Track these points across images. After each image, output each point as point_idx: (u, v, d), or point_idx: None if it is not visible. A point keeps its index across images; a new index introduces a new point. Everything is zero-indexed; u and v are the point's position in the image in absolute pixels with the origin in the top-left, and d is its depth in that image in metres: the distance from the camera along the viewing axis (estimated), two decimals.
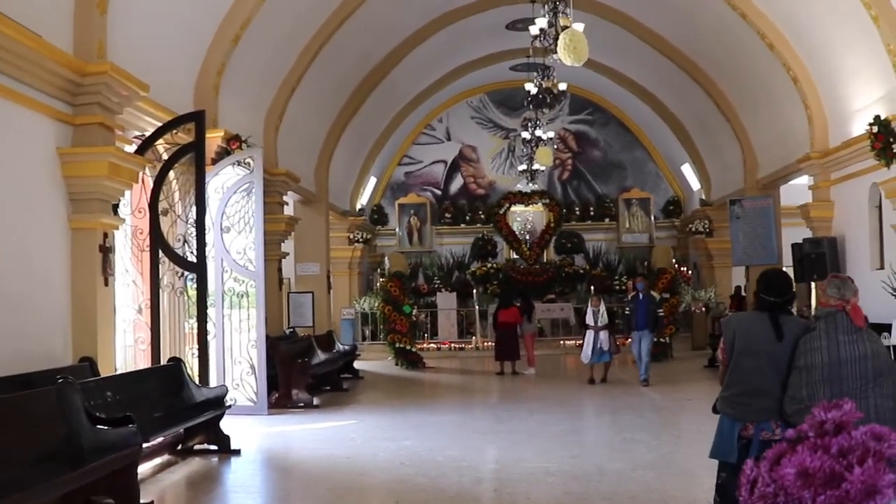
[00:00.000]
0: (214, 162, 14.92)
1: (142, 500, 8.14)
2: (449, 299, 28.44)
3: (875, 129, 14.20)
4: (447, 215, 31.76)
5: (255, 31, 16.01)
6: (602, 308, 18.70)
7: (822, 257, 17.28)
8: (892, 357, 5.58)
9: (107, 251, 11.11)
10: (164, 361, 12.43)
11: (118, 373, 11.18)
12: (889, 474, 1.75)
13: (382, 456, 11.02)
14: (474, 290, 28.48)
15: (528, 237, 30.99)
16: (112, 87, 11.00)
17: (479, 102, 32.16)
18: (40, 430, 7.35)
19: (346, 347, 21.50)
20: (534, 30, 14.14)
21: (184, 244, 13.56)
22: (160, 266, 13.27)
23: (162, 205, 13.31)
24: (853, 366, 5.33)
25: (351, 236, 28.19)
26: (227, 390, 12.28)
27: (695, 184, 29.24)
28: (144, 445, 8.98)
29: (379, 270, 28.92)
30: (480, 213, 31.62)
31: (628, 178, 32.07)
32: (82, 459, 7.20)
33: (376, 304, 25.42)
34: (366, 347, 25.68)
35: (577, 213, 31.77)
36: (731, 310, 25.05)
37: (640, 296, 18.47)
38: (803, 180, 22.23)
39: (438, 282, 30.22)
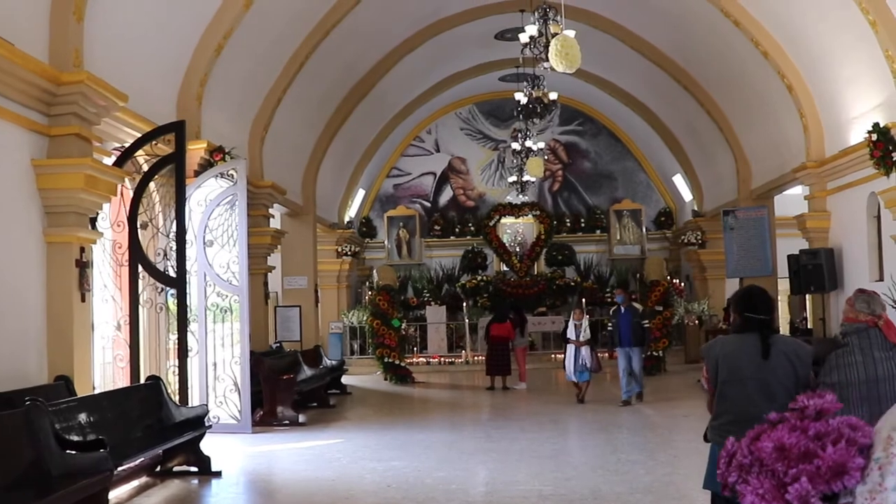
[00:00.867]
0: (197, 174, 14.57)
1: None
2: (438, 313, 28.09)
3: (874, 136, 13.92)
4: (436, 228, 31.44)
5: (239, 40, 15.66)
6: (585, 322, 17.92)
7: (819, 269, 17.01)
8: None
9: (83, 266, 10.73)
10: (143, 380, 12.05)
11: (94, 392, 10.77)
12: (859, 458, 1.86)
13: (369, 478, 10.65)
14: (464, 304, 28.13)
15: (518, 249, 30.66)
16: (89, 97, 10.63)
17: (469, 113, 31.90)
18: (6, 455, 6.98)
19: (334, 362, 21.14)
20: (524, 38, 13.87)
21: (164, 258, 13.20)
22: (140, 281, 12.91)
23: (141, 218, 12.97)
24: (891, 384, 5.03)
25: (339, 249, 27.85)
26: (207, 410, 11.90)
27: (687, 195, 29.00)
28: (121, 468, 8.66)
29: (367, 284, 28.55)
30: (470, 225, 31.31)
31: (619, 190, 31.81)
32: (49, 487, 6.84)
33: (365, 318, 25.12)
34: (354, 362, 25.34)
35: (568, 224, 31.47)
36: (725, 323, 24.77)
37: (622, 309, 17.61)
38: (797, 190, 21.96)
39: (428, 295, 29.94)
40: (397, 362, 22.73)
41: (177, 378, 13.19)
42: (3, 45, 9.17)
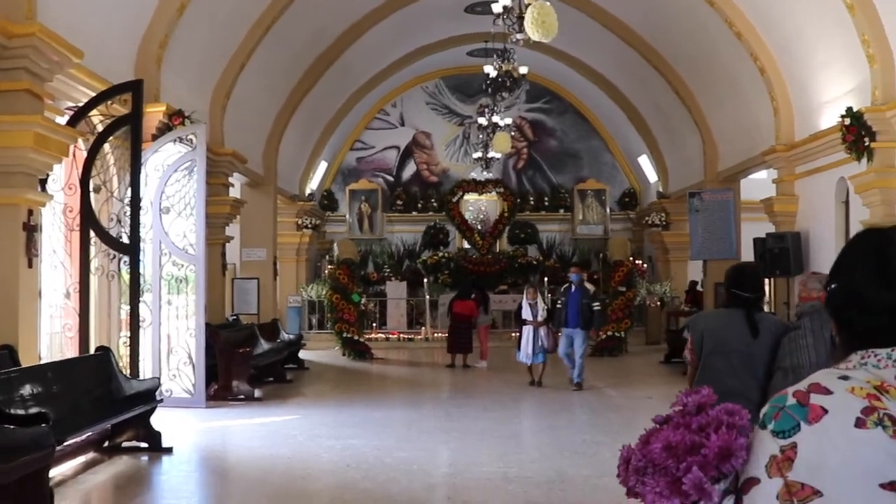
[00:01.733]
0: (155, 138, 14.05)
1: None
2: (399, 288, 27.72)
3: (847, 121, 13.64)
4: (399, 202, 31.02)
5: (202, 1, 15.12)
6: (540, 301, 17.24)
7: (785, 253, 16.79)
8: None
9: (32, 230, 10.21)
10: (92, 351, 11.57)
11: (40, 363, 10.29)
12: (741, 438, 1.97)
13: (326, 457, 10.26)
14: (425, 280, 27.77)
15: (480, 226, 30.33)
16: (41, 51, 10.08)
17: (435, 88, 31.45)
18: None
19: (292, 337, 20.76)
20: (497, 8, 13.40)
21: (118, 224, 12.71)
22: (91, 247, 12.42)
23: (94, 181, 12.47)
24: None
25: (299, 222, 27.38)
26: (159, 383, 11.42)
27: (652, 176, 28.77)
28: (65, 443, 8.20)
29: (327, 257, 28.16)
30: (433, 200, 30.93)
31: (584, 169, 31.53)
32: None
33: (324, 292, 24.68)
34: (312, 336, 24.91)
35: (532, 202, 31.17)
36: (687, 305, 24.61)
37: (573, 288, 16.60)
38: (762, 175, 21.80)
39: (388, 270, 29.56)
40: (356, 338, 22.42)
41: (128, 350, 12.71)
42: None
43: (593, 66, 26.47)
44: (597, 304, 16.73)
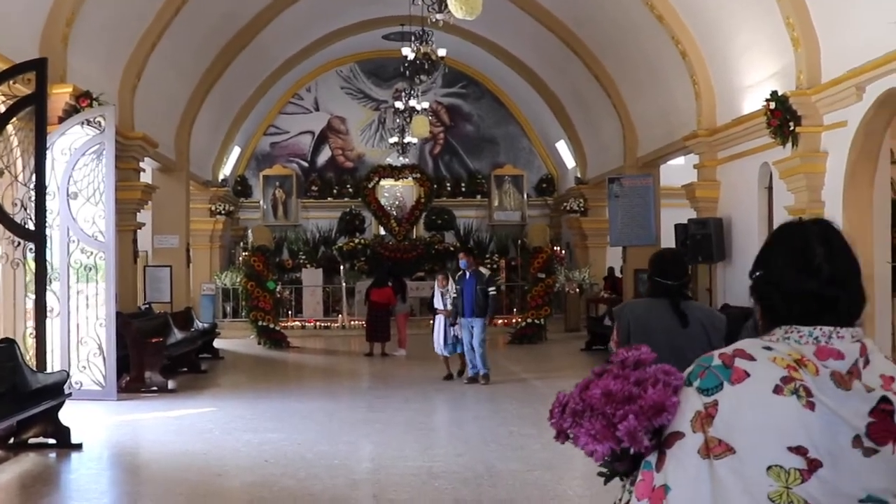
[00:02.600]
0: (62, 121, 13.47)
1: None
2: (314, 275, 27.35)
3: (772, 105, 13.59)
4: (314, 188, 30.63)
5: None
6: (451, 289, 16.19)
7: (707, 239, 16.81)
8: None
9: None
10: None
11: None
12: (674, 397, 2.16)
13: (244, 452, 9.87)
14: (341, 267, 27.43)
15: (397, 213, 30.04)
16: None
17: (350, 72, 31.06)
18: None
19: (206, 325, 20.27)
20: None
21: (22, 210, 12.14)
22: None
23: None
24: None
25: (213, 208, 26.81)
26: (67, 376, 10.92)
27: (570, 161, 28.76)
28: None
29: (242, 244, 27.69)
30: (348, 186, 30.59)
31: (501, 155, 31.44)
32: None
33: (238, 280, 24.27)
34: (227, 325, 24.40)
35: (449, 188, 31.04)
36: (606, 292, 24.62)
37: (467, 275, 15.78)
38: (680, 161, 21.86)
39: (304, 257, 29.16)
40: (272, 326, 22.07)
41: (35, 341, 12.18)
42: None
43: (511, 51, 26.32)
44: (492, 288, 15.82)
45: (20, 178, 12.51)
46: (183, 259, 21.87)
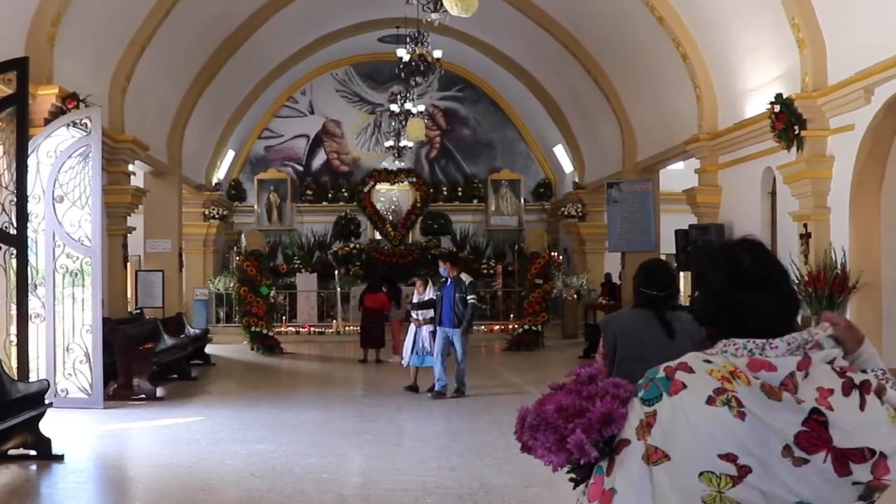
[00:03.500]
0: (48, 123, 13.13)
1: None
2: (309, 280, 27.06)
3: (777, 108, 13.27)
4: (309, 192, 30.34)
5: None
6: (427, 296, 15.31)
7: (708, 245, 16.45)
8: None
9: None
10: None
11: None
12: (622, 409, 2.36)
13: (230, 464, 9.49)
14: (336, 272, 27.12)
15: (392, 217, 29.71)
16: None
17: (345, 75, 30.78)
18: None
19: (198, 331, 19.95)
20: None
21: (4, 214, 11.79)
22: None
23: None
24: None
25: (206, 212, 26.51)
26: (48, 385, 10.49)
27: (567, 166, 28.47)
28: None
29: (235, 249, 27.36)
30: (344, 190, 30.31)
31: (498, 159, 31.19)
32: None
33: (232, 285, 23.99)
34: (219, 330, 24.11)
35: (445, 193, 30.77)
36: (604, 298, 24.29)
37: (448, 282, 14.68)
38: (679, 166, 21.57)
39: (298, 262, 28.87)
40: (265, 332, 21.78)
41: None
42: None
43: (508, 53, 26.02)
44: (471, 297, 14.49)
45: (2, 180, 12.16)
46: (175, 264, 21.58)
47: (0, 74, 11.46)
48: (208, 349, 19.98)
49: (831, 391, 2.23)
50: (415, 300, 15.63)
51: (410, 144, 26.12)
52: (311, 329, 25.37)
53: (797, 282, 12.53)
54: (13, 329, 12.19)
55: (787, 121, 13.14)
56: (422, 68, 17.24)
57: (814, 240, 13.21)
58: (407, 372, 15.12)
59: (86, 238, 12.97)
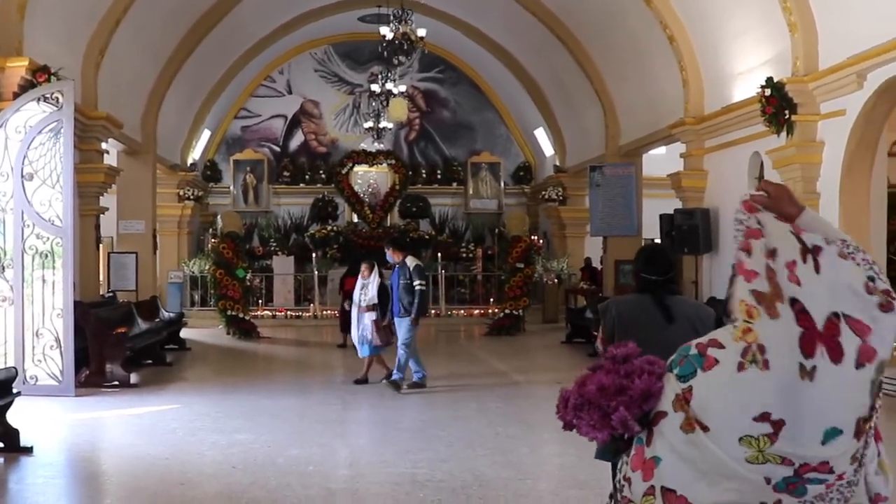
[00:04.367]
0: (17, 96, 12.66)
1: None
2: (286, 263, 26.75)
3: (767, 92, 12.99)
4: (286, 174, 29.93)
5: None
6: (373, 281, 14.11)
7: (694, 230, 16.26)
8: None
9: None
10: None
11: None
12: (658, 384, 2.64)
13: (209, 455, 9.08)
14: (313, 254, 26.67)
15: (371, 199, 29.26)
16: None
17: (324, 55, 30.32)
18: None
19: (172, 315, 19.49)
20: None
21: None
22: None
23: None
24: None
25: (181, 193, 26.05)
26: (15, 373, 10.04)
27: (548, 149, 28.17)
28: None
29: (211, 231, 26.82)
30: (321, 172, 29.87)
31: (478, 142, 30.86)
32: None
33: (207, 267, 23.53)
34: (195, 314, 23.69)
35: (424, 175, 30.45)
36: (584, 282, 24.01)
37: (396, 268, 13.65)
38: (662, 150, 21.29)
39: (275, 244, 28.50)
40: (241, 315, 21.36)
41: None
42: None
43: (489, 34, 25.67)
44: (418, 282, 13.28)
45: None
46: (149, 245, 21.17)
47: None
48: (183, 333, 19.50)
49: (794, 263, 2.53)
50: (357, 286, 14.33)
51: (390, 125, 25.71)
52: (288, 313, 24.94)
53: None
54: None
55: (777, 105, 12.93)
56: (405, 47, 16.87)
57: None
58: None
59: (56, 218, 12.50)
